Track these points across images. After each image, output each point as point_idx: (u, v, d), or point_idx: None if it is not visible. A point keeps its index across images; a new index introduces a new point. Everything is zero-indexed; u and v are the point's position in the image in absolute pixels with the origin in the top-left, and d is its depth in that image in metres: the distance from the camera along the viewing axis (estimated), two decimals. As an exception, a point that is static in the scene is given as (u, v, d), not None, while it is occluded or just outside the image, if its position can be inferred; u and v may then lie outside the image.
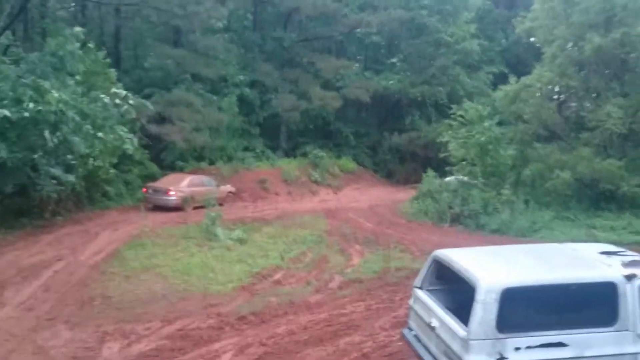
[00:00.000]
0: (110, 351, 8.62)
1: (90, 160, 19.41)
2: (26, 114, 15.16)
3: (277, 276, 13.61)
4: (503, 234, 19.74)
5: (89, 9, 34.01)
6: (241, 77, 35.09)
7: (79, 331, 9.38)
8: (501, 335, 5.77)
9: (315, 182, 33.36)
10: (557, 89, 25.97)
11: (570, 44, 24.50)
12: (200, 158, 30.85)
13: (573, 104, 26.30)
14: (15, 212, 18.02)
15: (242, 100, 34.91)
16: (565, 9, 23.71)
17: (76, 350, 8.61)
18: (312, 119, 39.89)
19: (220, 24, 33.37)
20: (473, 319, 5.81)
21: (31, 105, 15.22)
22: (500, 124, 26.31)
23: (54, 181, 17.43)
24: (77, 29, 20.11)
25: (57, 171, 17.16)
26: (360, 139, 42.86)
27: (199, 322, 9.95)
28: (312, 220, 21.79)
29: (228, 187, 26.30)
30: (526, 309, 6.15)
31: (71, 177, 17.78)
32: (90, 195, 22.05)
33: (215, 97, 32.89)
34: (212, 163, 30.75)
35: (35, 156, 16.26)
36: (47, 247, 15.36)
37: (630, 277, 6.12)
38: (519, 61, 43.37)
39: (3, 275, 12.43)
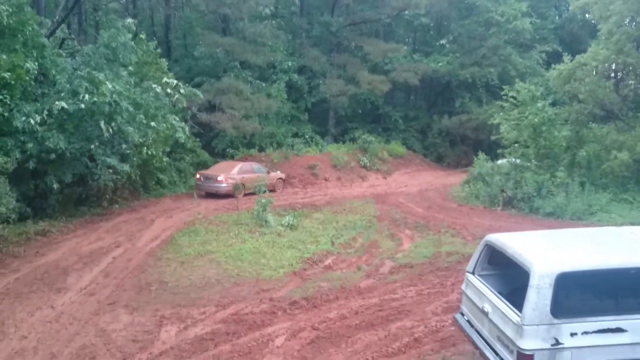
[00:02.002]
0: (168, 334, 8.89)
1: (144, 150, 19.85)
2: (82, 106, 15.58)
3: (328, 261, 13.71)
4: (558, 217, 19.30)
5: (140, 0, 34.72)
6: (289, 63, 35.26)
7: (138, 315, 9.72)
8: (556, 321, 5.67)
9: (365, 167, 33.27)
10: (613, 66, 25.01)
11: (627, 20, 23.54)
12: (250, 145, 31.22)
13: (631, 82, 25.24)
14: (74, 200, 18.72)
15: (290, 87, 35.14)
16: (622, -16, 22.77)
17: (136, 334, 8.93)
18: (360, 103, 39.76)
19: (267, 11, 33.61)
20: (527, 304, 5.72)
21: (87, 96, 15.61)
22: (554, 104, 25.58)
23: (110, 170, 18.01)
24: (129, 20, 20.53)
25: (112, 161, 17.68)
26: (409, 123, 42.46)
27: (252, 306, 10.14)
28: (361, 206, 21.81)
29: (278, 174, 26.50)
30: (582, 294, 6.02)
31: (126, 167, 18.28)
32: (144, 184, 22.67)
33: (263, 84, 33.19)
34: (262, 150, 31.09)
35: (92, 146, 16.74)
36: (105, 235, 15.89)
37: (692, 262, 5.91)
38: (574, 39, 42.07)
39: (66, 262, 12.95)
